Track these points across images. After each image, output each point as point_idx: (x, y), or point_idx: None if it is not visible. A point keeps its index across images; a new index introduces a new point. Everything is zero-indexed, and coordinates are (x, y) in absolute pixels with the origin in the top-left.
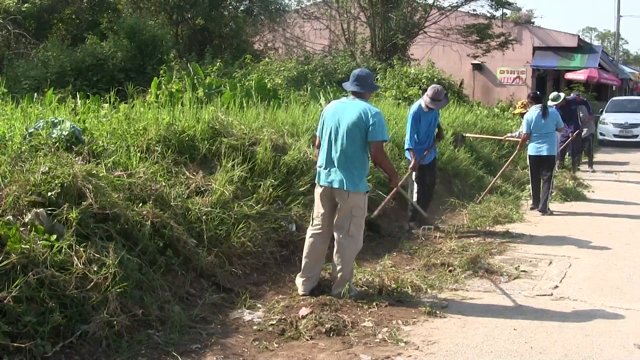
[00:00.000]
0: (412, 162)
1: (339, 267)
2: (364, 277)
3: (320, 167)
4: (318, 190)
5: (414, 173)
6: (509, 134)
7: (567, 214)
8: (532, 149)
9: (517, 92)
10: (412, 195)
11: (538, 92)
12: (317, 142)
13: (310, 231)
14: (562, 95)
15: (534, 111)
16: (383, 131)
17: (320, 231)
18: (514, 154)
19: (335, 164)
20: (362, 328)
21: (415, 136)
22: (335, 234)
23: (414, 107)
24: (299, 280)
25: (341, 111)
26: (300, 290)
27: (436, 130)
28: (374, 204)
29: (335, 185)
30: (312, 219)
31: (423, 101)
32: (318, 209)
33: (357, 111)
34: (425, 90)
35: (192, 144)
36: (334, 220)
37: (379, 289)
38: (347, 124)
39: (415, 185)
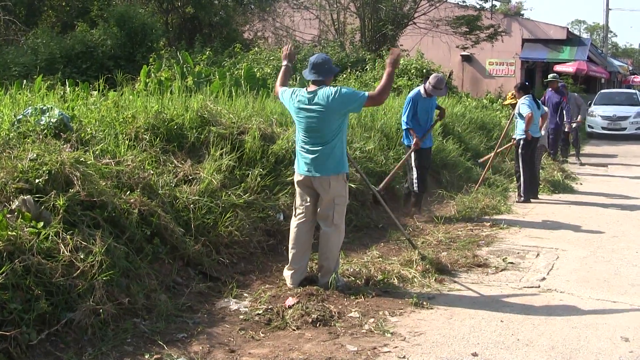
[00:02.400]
0: (415, 140)
1: (324, 257)
2: (351, 268)
3: (299, 154)
4: (298, 179)
5: (413, 157)
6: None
7: (555, 205)
8: (533, 132)
9: (506, 84)
10: (412, 183)
11: (527, 83)
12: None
13: (294, 221)
14: (559, 80)
15: (528, 99)
16: (357, 94)
17: (304, 220)
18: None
19: (313, 154)
20: (349, 318)
21: (411, 122)
22: (320, 224)
23: (413, 92)
24: (287, 273)
25: (309, 104)
26: (289, 283)
27: (437, 112)
28: (362, 195)
29: (316, 174)
30: (295, 209)
31: (424, 87)
32: (299, 197)
33: (324, 100)
34: (427, 77)
35: (181, 133)
36: (317, 209)
37: (366, 280)
38: (319, 115)
39: (415, 172)
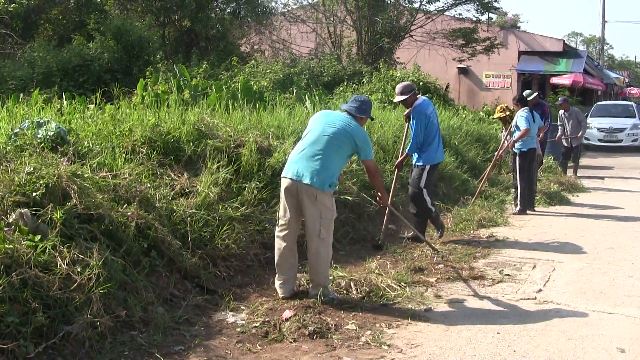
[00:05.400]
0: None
1: (314, 271)
2: (344, 282)
3: (292, 161)
4: (284, 185)
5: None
6: (500, 151)
7: (551, 217)
8: (528, 144)
9: (502, 96)
10: None
11: (524, 95)
12: None
13: (277, 232)
14: (535, 94)
15: (526, 111)
16: (371, 150)
17: (286, 232)
18: (503, 149)
19: (311, 161)
20: (346, 331)
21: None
22: (307, 239)
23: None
24: (277, 284)
25: (326, 117)
26: (280, 294)
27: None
28: (358, 207)
29: (306, 180)
30: (278, 219)
31: None
32: (282, 208)
33: (344, 121)
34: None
35: (178, 146)
36: (302, 221)
37: (363, 292)
38: (332, 129)
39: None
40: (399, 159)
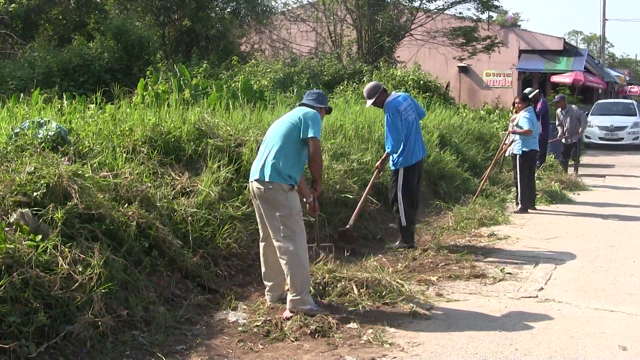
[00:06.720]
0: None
1: (286, 274)
2: (348, 279)
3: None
4: (250, 189)
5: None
6: (501, 152)
7: (552, 216)
8: (530, 144)
9: (503, 95)
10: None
11: (527, 94)
12: None
13: (260, 242)
14: (536, 91)
15: (530, 111)
16: (316, 128)
17: (266, 239)
18: (499, 152)
19: (264, 158)
20: (347, 329)
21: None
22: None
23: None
24: (265, 291)
25: (278, 120)
26: (268, 300)
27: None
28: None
29: (252, 177)
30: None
31: None
32: (257, 215)
33: (294, 112)
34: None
35: (178, 145)
36: None
37: (364, 291)
38: (281, 123)
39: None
40: (380, 159)
